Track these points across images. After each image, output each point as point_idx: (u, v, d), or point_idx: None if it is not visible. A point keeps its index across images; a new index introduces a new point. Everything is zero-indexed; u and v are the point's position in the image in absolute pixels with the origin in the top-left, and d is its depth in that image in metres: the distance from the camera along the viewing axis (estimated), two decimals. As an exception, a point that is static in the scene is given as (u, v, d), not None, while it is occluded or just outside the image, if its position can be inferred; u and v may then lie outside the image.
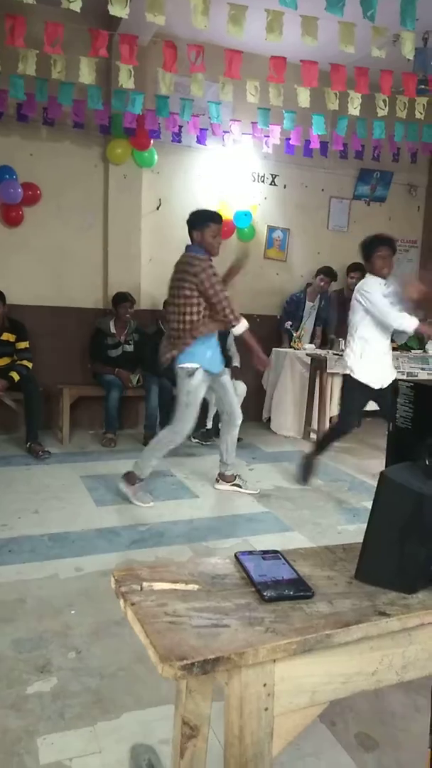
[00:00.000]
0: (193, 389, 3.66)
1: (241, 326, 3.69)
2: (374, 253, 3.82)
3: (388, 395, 3.84)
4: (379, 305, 3.76)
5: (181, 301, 3.65)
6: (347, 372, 4.00)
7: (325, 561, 1.32)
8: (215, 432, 4.91)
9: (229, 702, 1.04)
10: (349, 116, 4.49)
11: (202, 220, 3.67)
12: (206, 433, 5.42)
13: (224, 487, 4.15)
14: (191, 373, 3.63)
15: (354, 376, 3.94)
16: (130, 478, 3.82)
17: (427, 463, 1.26)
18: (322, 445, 4.28)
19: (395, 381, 1.39)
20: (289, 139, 5.48)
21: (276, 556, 1.29)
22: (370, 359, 3.91)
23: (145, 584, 1.15)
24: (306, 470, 4.29)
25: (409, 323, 3.74)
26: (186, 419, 3.70)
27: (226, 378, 3.99)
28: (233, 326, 3.67)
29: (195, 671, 0.95)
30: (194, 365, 3.64)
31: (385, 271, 3.85)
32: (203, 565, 1.25)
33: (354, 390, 3.99)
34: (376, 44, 3.68)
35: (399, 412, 1.36)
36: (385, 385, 3.89)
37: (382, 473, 1.21)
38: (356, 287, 3.95)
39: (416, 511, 1.16)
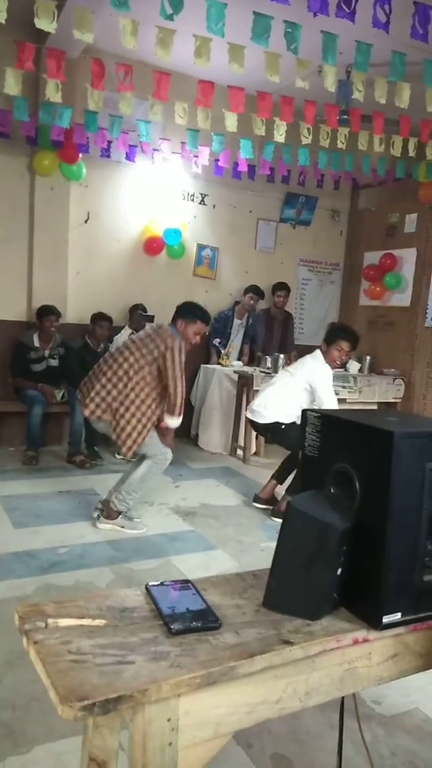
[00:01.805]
0: (148, 438, 3.59)
1: (176, 422, 3.62)
2: (337, 342, 4.00)
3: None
4: (329, 396, 3.98)
5: (133, 361, 3.47)
6: (278, 422, 4.14)
7: (235, 589, 1.34)
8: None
9: (132, 739, 1.03)
10: (275, 142, 4.62)
11: (192, 314, 3.68)
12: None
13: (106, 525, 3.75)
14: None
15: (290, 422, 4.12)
16: (110, 513, 3.67)
17: (331, 491, 1.30)
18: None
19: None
20: (218, 160, 5.57)
21: (187, 585, 1.30)
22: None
23: (50, 621, 1.13)
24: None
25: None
26: (160, 449, 3.64)
27: None
28: (172, 416, 3.57)
29: (96, 711, 0.94)
30: None
31: (337, 364, 4.09)
32: (112, 598, 1.24)
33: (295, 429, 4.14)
34: (299, 75, 3.82)
35: (307, 440, 1.40)
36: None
37: (288, 503, 1.24)
38: (309, 365, 4.07)
39: (320, 539, 1.20)
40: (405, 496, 1.18)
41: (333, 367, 4.09)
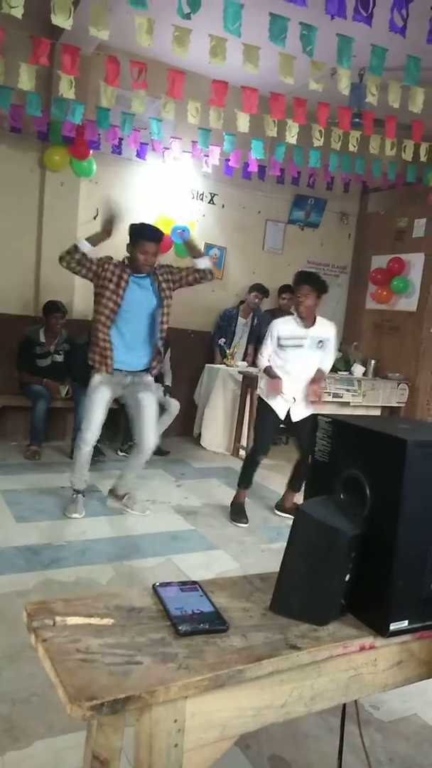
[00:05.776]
0: (91, 389, 3.65)
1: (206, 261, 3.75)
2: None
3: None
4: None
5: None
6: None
7: (242, 592, 1.34)
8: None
9: (138, 739, 1.03)
10: (287, 144, 4.62)
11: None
12: (134, 446, 5.37)
13: (115, 504, 4.03)
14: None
15: None
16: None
17: (341, 497, 1.30)
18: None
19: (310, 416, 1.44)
20: (229, 160, 5.57)
21: (194, 587, 1.30)
22: None
23: (58, 619, 1.13)
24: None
25: None
26: (85, 419, 3.70)
27: (145, 395, 3.73)
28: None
29: (104, 711, 0.94)
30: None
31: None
32: (120, 597, 1.24)
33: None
34: (313, 77, 3.81)
35: (318, 446, 1.40)
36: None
37: (298, 507, 1.25)
38: (328, 331, 3.99)
39: (329, 545, 1.20)
40: (416, 504, 1.18)
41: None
